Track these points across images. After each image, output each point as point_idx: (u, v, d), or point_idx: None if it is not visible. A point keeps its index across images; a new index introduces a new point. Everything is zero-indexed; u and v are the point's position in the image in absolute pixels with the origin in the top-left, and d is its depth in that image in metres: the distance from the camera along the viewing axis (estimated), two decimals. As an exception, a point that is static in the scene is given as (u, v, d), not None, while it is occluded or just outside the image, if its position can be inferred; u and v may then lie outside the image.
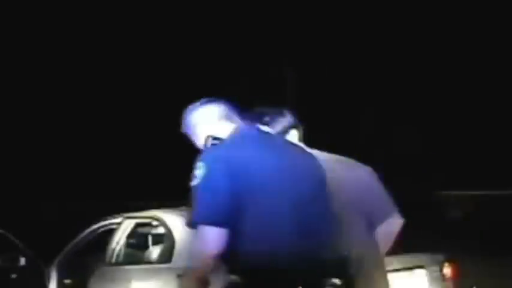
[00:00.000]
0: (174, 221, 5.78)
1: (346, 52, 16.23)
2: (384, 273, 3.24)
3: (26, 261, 6.78)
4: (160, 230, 5.99)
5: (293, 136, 3.21)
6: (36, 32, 16.91)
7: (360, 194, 3.11)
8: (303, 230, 2.80)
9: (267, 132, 3.14)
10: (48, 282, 6.66)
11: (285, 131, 3.20)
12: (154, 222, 6.10)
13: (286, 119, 3.22)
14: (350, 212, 3.07)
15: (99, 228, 6.60)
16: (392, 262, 5.05)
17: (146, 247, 6.36)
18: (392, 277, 5.05)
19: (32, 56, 17.15)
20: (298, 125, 3.27)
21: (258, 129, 3.12)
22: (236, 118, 3.16)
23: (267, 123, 3.18)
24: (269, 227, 2.80)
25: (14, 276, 6.76)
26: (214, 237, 2.80)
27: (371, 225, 3.16)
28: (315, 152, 3.21)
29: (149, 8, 16.61)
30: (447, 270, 5.50)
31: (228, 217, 2.79)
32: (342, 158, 3.29)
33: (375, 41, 16.35)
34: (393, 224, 3.24)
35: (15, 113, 17.52)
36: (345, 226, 3.01)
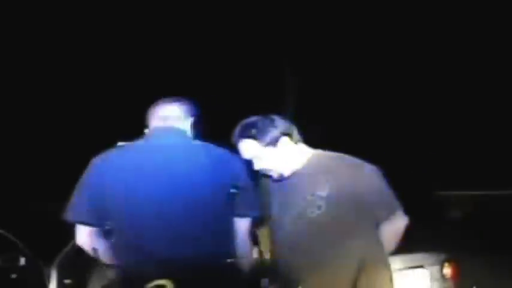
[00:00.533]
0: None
1: (347, 52, 16.22)
2: (388, 273, 3.23)
3: (26, 261, 6.78)
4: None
5: (284, 143, 3.16)
6: (36, 32, 16.91)
7: (362, 192, 3.10)
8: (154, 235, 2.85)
9: (173, 139, 3.13)
10: (48, 282, 6.66)
11: (275, 141, 3.13)
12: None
13: (276, 129, 3.16)
14: (352, 211, 3.06)
15: (99, 228, 6.59)
16: (392, 262, 5.06)
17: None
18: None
19: (33, 56, 17.15)
20: (291, 131, 3.21)
21: (158, 136, 3.17)
22: (172, 121, 3.18)
23: (253, 137, 3.14)
24: (129, 235, 2.90)
25: (14, 276, 6.76)
26: (80, 233, 2.97)
27: (375, 224, 3.15)
28: (317, 152, 3.20)
29: (147, 9, 16.61)
30: (447, 270, 5.52)
31: (90, 218, 2.89)
32: (345, 156, 3.27)
33: (375, 41, 16.35)
34: (397, 223, 3.24)
35: (15, 112, 17.52)
36: (347, 226, 3.01)
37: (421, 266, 5.26)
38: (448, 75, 16.92)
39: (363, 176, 3.14)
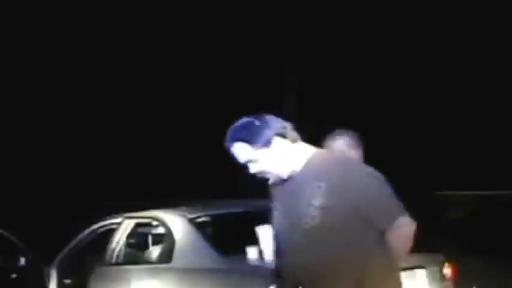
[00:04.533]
0: (174, 221, 5.78)
1: (347, 53, 16.22)
2: (393, 282, 3.07)
3: (26, 261, 6.78)
4: (160, 230, 5.99)
5: (278, 144, 2.98)
6: (44, 32, 16.91)
7: (359, 201, 2.91)
8: None
9: None
10: (48, 282, 6.66)
11: (268, 142, 2.97)
12: (154, 222, 6.10)
13: (268, 129, 2.98)
14: (349, 221, 2.89)
15: (99, 228, 6.60)
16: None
17: (146, 247, 6.37)
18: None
19: (42, 54, 17.16)
20: (285, 130, 3.00)
21: None
22: None
23: (245, 139, 2.98)
24: None
25: (14, 276, 6.76)
26: None
27: (378, 231, 2.99)
28: (317, 152, 3.06)
29: (148, 10, 16.61)
30: (447, 270, 5.49)
31: None
32: (342, 159, 3.11)
33: (375, 42, 16.35)
34: (402, 230, 3.00)
35: (18, 113, 17.53)
36: (343, 237, 2.87)
37: (420, 266, 5.24)
38: (448, 76, 16.93)
39: (360, 182, 2.94)
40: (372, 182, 2.96)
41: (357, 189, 2.93)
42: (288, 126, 3.03)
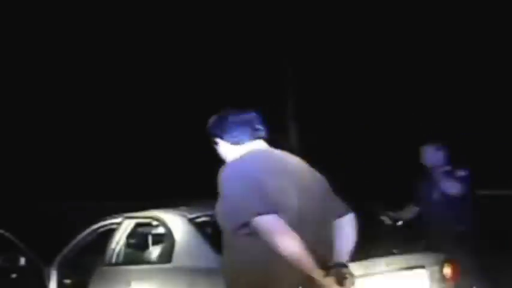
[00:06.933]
0: (174, 221, 5.78)
1: (347, 52, 16.22)
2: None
3: (26, 261, 6.78)
4: (160, 230, 5.99)
5: (220, 143, 3.16)
6: (36, 31, 16.91)
7: (220, 204, 3.03)
8: None
9: None
10: (48, 282, 6.67)
11: (214, 141, 3.20)
12: (154, 222, 6.10)
13: (215, 131, 3.17)
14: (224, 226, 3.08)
15: (99, 228, 6.60)
16: (392, 262, 5.06)
17: (146, 247, 6.37)
18: (392, 277, 5.07)
19: (32, 54, 17.16)
20: (219, 132, 3.16)
21: None
22: None
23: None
24: None
25: (14, 276, 6.77)
26: None
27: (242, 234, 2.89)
28: (245, 153, 3.10)
29: (148, 8, 16.61)
30: (447, 270, 5.49)
31: None
32: (229, 161, 3.12)
33: (375, 41, 16.35)
34: (259, 232, 2.77)
35: (15, 111, 17.53)
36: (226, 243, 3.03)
37: (421, 266, 5.25)
38: (448, 76, 16.93)
39: (221, 187, 2.90)
40: (225, 184, 2.89)
41: (220, 196, 2.93)
42: (226, 126, 3.11)
